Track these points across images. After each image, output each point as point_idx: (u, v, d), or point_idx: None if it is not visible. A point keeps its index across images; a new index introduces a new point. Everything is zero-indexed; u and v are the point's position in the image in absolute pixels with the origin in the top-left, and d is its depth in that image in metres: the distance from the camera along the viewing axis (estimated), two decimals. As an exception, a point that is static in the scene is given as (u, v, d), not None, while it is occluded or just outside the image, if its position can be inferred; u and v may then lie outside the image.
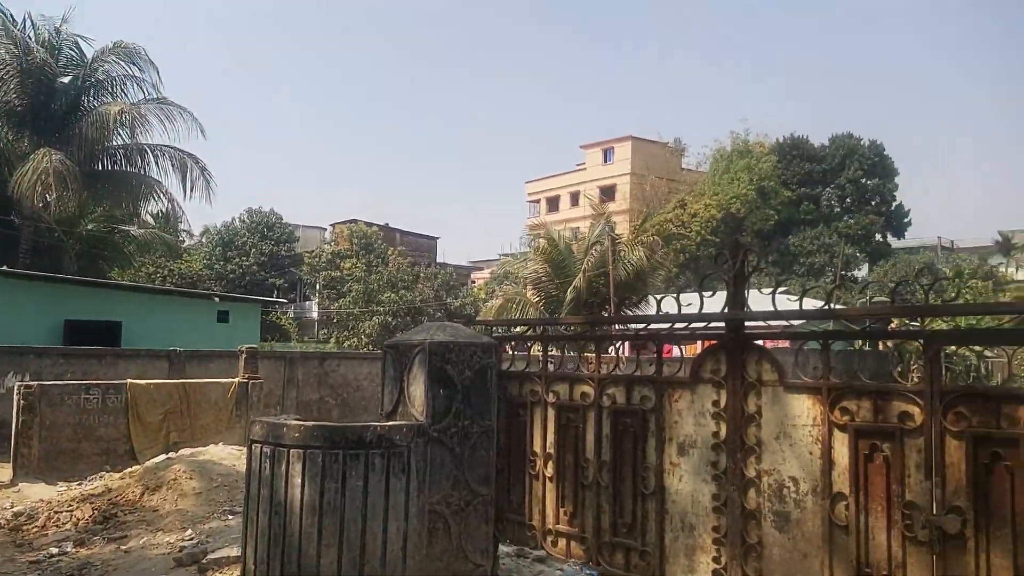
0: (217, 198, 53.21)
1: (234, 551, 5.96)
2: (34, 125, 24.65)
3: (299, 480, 4.99)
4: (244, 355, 13.31)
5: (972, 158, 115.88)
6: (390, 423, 5.36)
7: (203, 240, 49.41)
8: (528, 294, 25.22)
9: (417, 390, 5.13)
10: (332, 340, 35.02)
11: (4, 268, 18.09)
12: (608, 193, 53.15)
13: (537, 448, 5.07)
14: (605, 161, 57.93)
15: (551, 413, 5.00)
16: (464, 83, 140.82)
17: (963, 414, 3.34)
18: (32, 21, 25.18)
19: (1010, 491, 3.18)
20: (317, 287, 42.15)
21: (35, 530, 7.94)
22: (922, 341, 3.57)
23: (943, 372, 3.90)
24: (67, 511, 8.26)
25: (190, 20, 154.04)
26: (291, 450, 5.05)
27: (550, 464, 4.96)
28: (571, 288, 22.19)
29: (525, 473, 5.14)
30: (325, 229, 55.56)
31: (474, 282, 52.89)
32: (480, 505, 5.14)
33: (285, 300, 41.52)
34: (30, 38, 24.67)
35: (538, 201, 63.40)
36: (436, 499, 5.04)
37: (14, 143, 24.68)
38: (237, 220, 47.70)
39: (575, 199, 57.12)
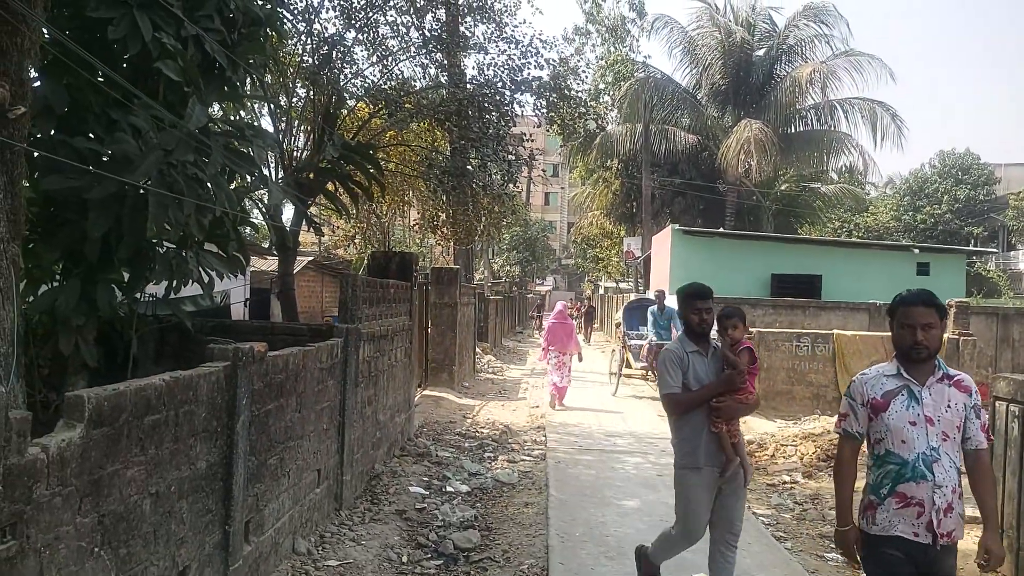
0: (908, 143, 50.64)
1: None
2: (735, 100, 27.76)
3: (1065, 452, 4.41)
4: (953, 309, 12.38)
5: None
6: None
7: (887, 191, 47.65)
8: None
9: None
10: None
11: (722, 230, 20.96)
12: None
13: None
14: None
15: None
16: None
17: None
18: (731, 4, 28.20)
19: None
20: (1028, 234, 36.09)
21: (765, 457, 9.05)
22: None
23: None
24: (791, 445, 9.16)
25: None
26: (1054, 416, 4.50)
27: None
28: None
29: None
30: (1036, 166, 47.01)
31: None
32: None
33: (994, 250, 36.83)
34: (731, 21, 27.71)
35: None
36: None
37: (720, 119, 28.25)
38: (927, 166, 44.41)
39: None
